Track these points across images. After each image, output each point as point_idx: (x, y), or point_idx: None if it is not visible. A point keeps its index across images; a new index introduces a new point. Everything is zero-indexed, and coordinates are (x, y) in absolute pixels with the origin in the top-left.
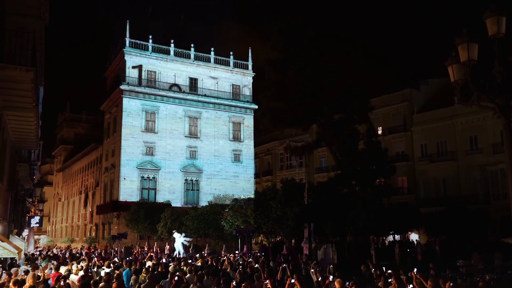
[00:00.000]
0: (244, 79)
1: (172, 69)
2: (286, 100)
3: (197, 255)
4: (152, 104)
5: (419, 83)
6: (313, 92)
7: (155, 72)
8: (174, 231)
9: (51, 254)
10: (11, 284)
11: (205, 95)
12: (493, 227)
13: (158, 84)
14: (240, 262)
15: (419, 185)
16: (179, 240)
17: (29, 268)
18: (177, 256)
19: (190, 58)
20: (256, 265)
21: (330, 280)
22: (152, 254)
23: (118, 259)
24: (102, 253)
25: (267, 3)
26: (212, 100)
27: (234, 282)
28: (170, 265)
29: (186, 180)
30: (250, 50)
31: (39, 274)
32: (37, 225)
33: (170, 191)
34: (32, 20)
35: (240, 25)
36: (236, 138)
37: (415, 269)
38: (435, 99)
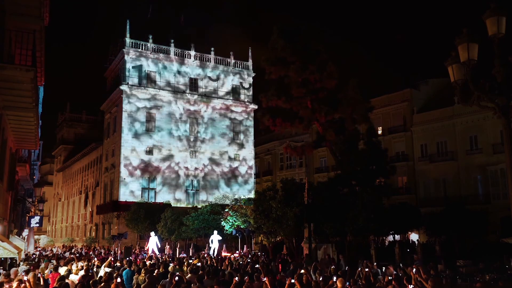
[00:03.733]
0: (244, 79)
1: (172, 69)
2: (286, 99)
3: (194, 257)
4: (152, 104)
5: (419, 83)
6: (313, 92)
7: (155, 72)
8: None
9: (51, 254)
10: (15, 284)
11: (205, 95)
12: (493, 227)
13: (158, 84)
14: (240, 262)
15: (419, 185)
16: (216, 239)
17: (29, 268)
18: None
19: (190, 58)
20: (256, 265)
21: (334, 280)
22: (152, 254)
23: (118, 261)
24: (102, 253)
25: (268, 3)
26: (212, 100)
27: (236, 278)
28: (170, 265)
29: (186, 180)
30: (250, 50)
31: (39, 274)
32: (37, 225)
33: (170, 191)
34: (32, 20)
35: (240, 25)
36: (236, 138)
37: (414, 269)
38: (435, 99)
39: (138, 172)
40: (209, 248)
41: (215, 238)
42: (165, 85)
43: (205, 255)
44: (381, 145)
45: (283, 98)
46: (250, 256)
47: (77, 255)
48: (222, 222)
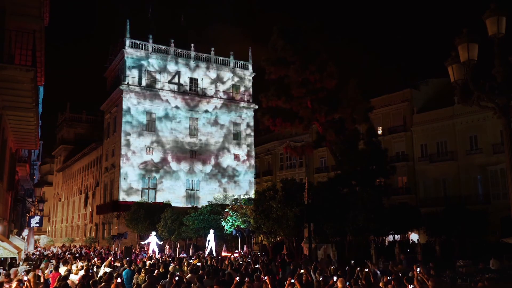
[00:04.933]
0: (244, 79)
1: (172, 69)
2: (286, 99)
3: (194, 257)
4: (152, 104)
5: (419, 83)
6: (313, 92)
7: (155, 72)
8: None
9: (51, 254)
10: (15, 284)
11: (205, 95)
12: (493, 227)
13: (158, 84)
14: (240, 262)
15: (419, 185)
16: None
17: (29, 268)
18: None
19: (190, 58)
20: (256, 265)
21: (334, 280)
22: (152, 254)
23: (118, 261)
24: (102, 253)
25: (268, 3)
26: (212, 100)
27: (237, 278)
28: (170, 265)
29: (186, 180)
30: (250, 50)
31: (39, 272)
32: (37, 225)
33: (170, 191)
34: (32, 20)
35: (240, 25)
36: (236, 138)
37: (418, 269)
38: (435, 99)
39: (138, 172)
40: (207, 248)
41: (211, 237)
42: (165, 85)
43: (205, 256)
44: (381, 145)
45: (283, 98)
46: (250, 256)
47: (77, 254)
48: (222, 222)
